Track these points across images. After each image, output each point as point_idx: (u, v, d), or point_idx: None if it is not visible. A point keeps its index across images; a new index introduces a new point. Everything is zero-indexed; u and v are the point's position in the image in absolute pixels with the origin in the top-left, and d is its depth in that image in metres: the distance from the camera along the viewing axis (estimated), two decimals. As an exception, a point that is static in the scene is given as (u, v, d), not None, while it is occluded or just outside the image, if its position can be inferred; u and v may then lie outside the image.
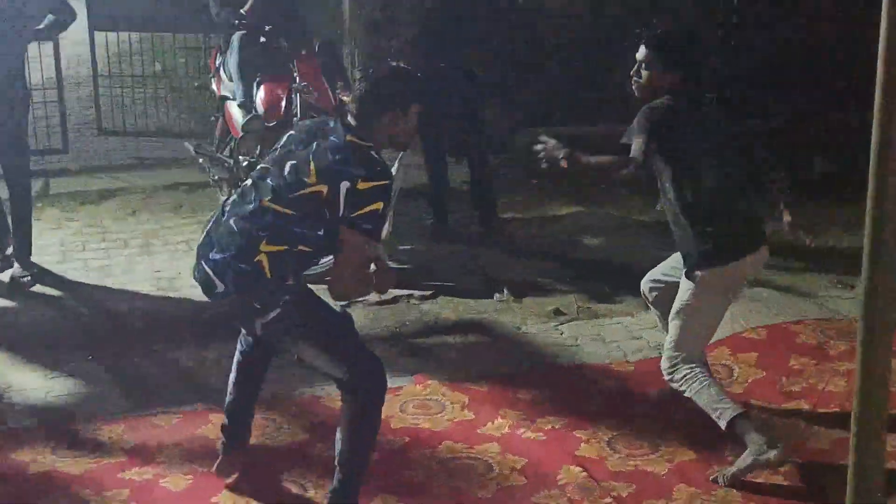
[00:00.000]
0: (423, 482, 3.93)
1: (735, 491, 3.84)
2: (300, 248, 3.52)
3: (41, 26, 5.81)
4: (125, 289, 5.80)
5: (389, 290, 4.85)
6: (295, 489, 3.92)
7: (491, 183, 6.60)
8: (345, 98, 6.45)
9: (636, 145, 4.00)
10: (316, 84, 6.14)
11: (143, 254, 6.33)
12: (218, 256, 3.56)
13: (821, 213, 6.74)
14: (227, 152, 6.85)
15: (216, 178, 6.95)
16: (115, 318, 5.41)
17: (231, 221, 3.56)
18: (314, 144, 3.56)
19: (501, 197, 6.85)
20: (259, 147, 6.43)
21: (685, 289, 4.08)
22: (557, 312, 5.49)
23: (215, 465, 3.92)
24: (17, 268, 5.82)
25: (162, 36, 9.26)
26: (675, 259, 4.29)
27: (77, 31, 8.52)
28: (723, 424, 4.03)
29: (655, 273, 4.48)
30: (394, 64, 4.05)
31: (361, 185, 3.43)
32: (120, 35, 8.82)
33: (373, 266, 3.69)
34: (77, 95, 9.33)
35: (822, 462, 4.05)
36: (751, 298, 5.49)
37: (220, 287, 3.57)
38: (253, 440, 4.21)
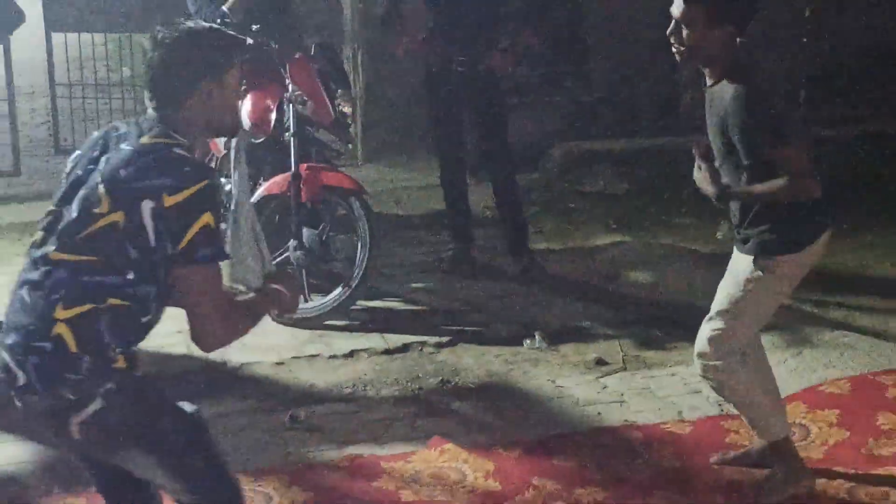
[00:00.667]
0: (441, 568, 3.94)
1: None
2: (110, 302, 2.99)
3: None
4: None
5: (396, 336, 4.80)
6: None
7: (521, 207, 6.59)
8: (346, 109, 6.51)
9: (791, 154, 3.91)
10: (312, 94, 6.18)
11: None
12: (12, 339, 3.02)
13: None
14: (207, 174, 6.89)
15: (195, 204, 6.98)
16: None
17: (22, 291, 3.06)
18: (102, 160, 3.11)
19: (532, 224, 6.84)
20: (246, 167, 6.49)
21: (749, 276, 4.07)
22: (600, 362, 5.49)
23: None
24: None
25: (130, 37, 9.31)
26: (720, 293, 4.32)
27: (31, 32, 8.65)
28: (768, 438, 4.17)
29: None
30: (189, 23, 3.34)
31: (169, 200, 2.95)
32: (81, 36, 8.92)
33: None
34: (31, 107, 9.41)
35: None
36: (831, 345, 5.49)
37: (22, 379, 2.96)
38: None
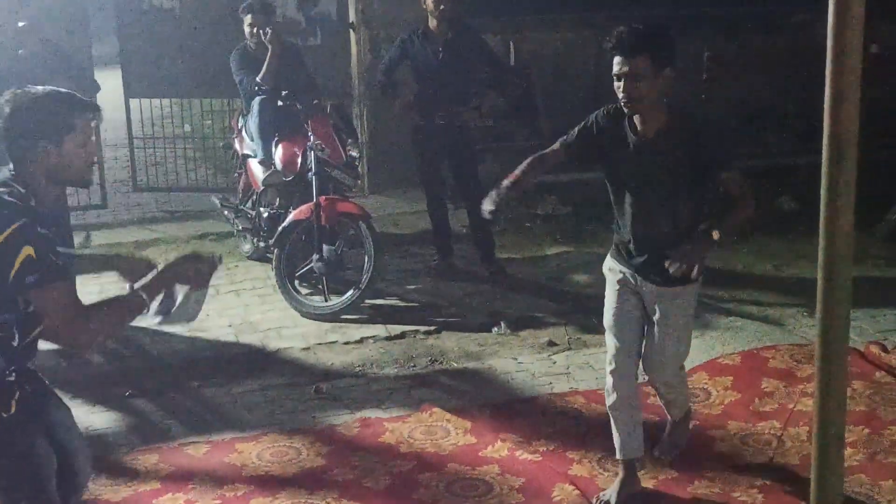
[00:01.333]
0: (431, 501, 3.93)
1: (713, 504, 3.85)
2: None
3: None
4: (160, 330, 5.81)
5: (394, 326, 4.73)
6: (314, 510, 3.92)
7: (489, 227, 6.61)
8: (354, 153, 6.53)
9: (739, 177, 3.56)
10: (328, 142, 6.19)
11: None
12: None
13: (791, 248, 6.81)
14: (249, 205, 6.91)
15: (240, 228, 7.02)
16: (152, 358, 5.43)
17: None
18: None
19: (497, 239, 6.85)
20: (278, 199, 6.50)
21: (689, 299, 3.78)
22: (550, 344, 5.49)
23: None
24: None
25: (190, 101, 9.32)
26: (630, 320, 3.85)
27: (114, 99, 8.65)
28: (680, 413, 4.16)
29: (626, 340, 3.87)
30: (33, 90, 2.87)
31: None
32: (152, 101, 8.90)
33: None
34: (114, 156, 9.41)
35: (793, 476, 4.04)
36: (726, 328, 5.53)
37: None
38: (277, 466, 4.23)
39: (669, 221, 3.66)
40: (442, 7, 6.12)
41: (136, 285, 2.99)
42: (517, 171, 3.83)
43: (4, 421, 2.76)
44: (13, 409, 2.78)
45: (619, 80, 3.45)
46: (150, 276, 3.03)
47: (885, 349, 5.11)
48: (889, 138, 7.88)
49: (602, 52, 8.83)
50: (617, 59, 3.45)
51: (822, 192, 2.11)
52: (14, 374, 2.80)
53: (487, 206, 3.72)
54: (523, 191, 4.13)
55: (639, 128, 3.60)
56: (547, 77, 8.64)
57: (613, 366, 3.85)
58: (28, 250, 2.64)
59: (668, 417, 4.23)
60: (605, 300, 3.94)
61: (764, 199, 6.89)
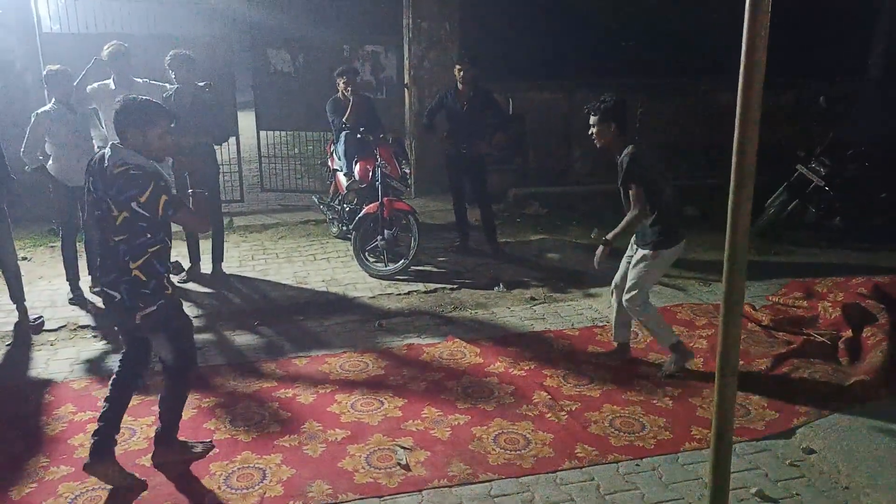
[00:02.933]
0: (451, 400, 3.92)
1: (639, 408, 3.79)
2: (151, 251, 3.02)
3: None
4: (277, 282, 5.84)
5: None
6: (375, 403, 3.89)
7: (493, 220, 6.55)
8: (406, 170, 6.47)
9: (635, 191, 3.80)
10: (389, 162, 6.14)
11: (287, 262, 6.35)
12: (108, 278, 3.07)
13: (692, 240, 6.67)
14: (337, 202, 6.88)
15: (330, 217, 7.00)
16: (272, 301, 5.43)
17: (106, 257, 3.07)
18: (100, 183, 3.03)
19: (500, 229, 6.79)
20: (356, 199, 6.45)
21: (644, 259, 3.95)
22: (532, 299, 5.44)
23: (152, 456, 3.29)
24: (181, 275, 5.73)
25: (299, 133, 9.28)
26: (622, 269, 4.17)
27: (249, 130, 8.63)
28: (666, 345, 4.12)
29: (617, 278, 4.23)
30: (137, 98, 3.08)
31: (143, 198, 2.94)
32: (275, 133, 8.86)
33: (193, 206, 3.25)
34: (249, 168, 9.39)
35: (692, 390, 3.99)
36: (650, 292, 5.42)
37: (118, 297, 3.04)
38: (352, 374, 4.20)
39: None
40: (463, 77, 6.08)
41: (197, 191, 3.28)
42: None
43: (168, 297, 3.11)
44: (171, 292, 3.13)
45: (590, 129, 3.93)
46: (192, 191, 3.31)
47: (754, 308, 5.02)
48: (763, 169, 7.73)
49: (571, 106, 8.77)
50: (591, 119, 3.91)
51: (730, 203, 2.00)
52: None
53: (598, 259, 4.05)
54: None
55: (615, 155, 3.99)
56: (533, 122, 8.55)
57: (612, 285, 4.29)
58: (164, 197, 2.95)
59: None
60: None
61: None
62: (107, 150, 3.02)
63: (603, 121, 3.86)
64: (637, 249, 4.07)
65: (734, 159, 1.84)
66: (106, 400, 3.18)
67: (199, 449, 3.38)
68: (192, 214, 3.16)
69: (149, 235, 3.00)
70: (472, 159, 6.29)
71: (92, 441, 3.10)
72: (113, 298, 3.05)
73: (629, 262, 4.12)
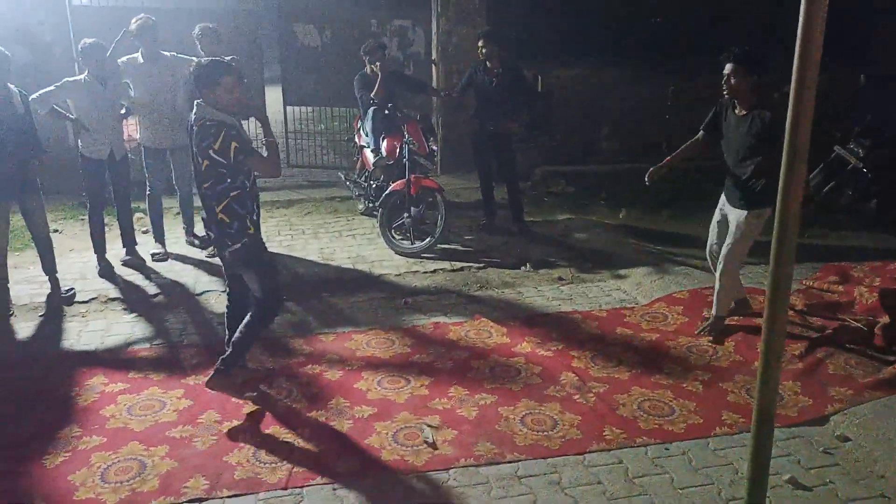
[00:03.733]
0: (478, 379, 3.89)
1: (669, 392, 3.73)
2: (232, 195, 3.35)
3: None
4: (303, 258, 5.83)
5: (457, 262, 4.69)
6: (401, 381, 3.88)
7: (520, 199, 6.48)
8: (434, 147, 6.40)
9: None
10: (417, 139, 6.07)
11: (314, 238, 6.34)
12: (204, 220, 3.52)
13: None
14: (363, 179, 6.85)
15: (356, 193, 6.98)
16: (298, 277, 5.42)
17: (204, 203, 3.46)
18: (188, 138, 3.51)
19: (526, 208, 6.71)
20: (382, 175, 6.41)
21: (743, 219, 3.97)
22: (560, 279, 5.37)
23: (207, 380, 3.56)
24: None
25: (325, 108, 9.23)
26: (716, 231, 4.24)
27: (275, 104, 8.60)
28: (722, 311, 4.25)
29: (711, 241, 4.33)
30: (205, 59, 3.51)
31: (216, 146, 3.28)
32: (302, 108, 8.81)
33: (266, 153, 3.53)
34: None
35: (723, 375, 3.92)
36: (679, 273, 5.36)
37: (209, 235, 3.53)
38: (378, 351, 4.19)
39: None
40: (485, 54, 5.99)
41: (269, 139, 3.53)
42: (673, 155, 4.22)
43: (251, 236, 3.45)
44: (253, 231, 3.46)
45: (724, 76, 3.82)
46: (267, 139, 3.55)
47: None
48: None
49: (599, 84, 8.62)
50: (730, 67, 3.80)
51: (780, 185, 1.92)
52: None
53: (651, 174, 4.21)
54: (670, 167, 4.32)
55: (738, 110, 3.94)
56: (560, 99, 8.41)
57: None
58: (234, 144, 3.28)
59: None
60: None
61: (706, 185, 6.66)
62: (194, 109, 3.40)
63: (747, 72, 3.76)
64: (735, 210, 4.05)
65: (787, 139, 1.75)
66: (227, 329, 3.70)
67: (260, 372, 3.80)
68: (264, 160, 3.44)
69: (228, 181, 3.33)
70: (499, 137, 6.20)
71: (219, 362, 3.55)
72: (208, 237, 3.53)
73: (721, 225, 4.17)
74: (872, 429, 3.31)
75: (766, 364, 2.03)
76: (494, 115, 6.11)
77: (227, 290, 3.76)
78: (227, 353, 3.56)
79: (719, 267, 4.21)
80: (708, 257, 4.42)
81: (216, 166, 3.29)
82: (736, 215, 4.05)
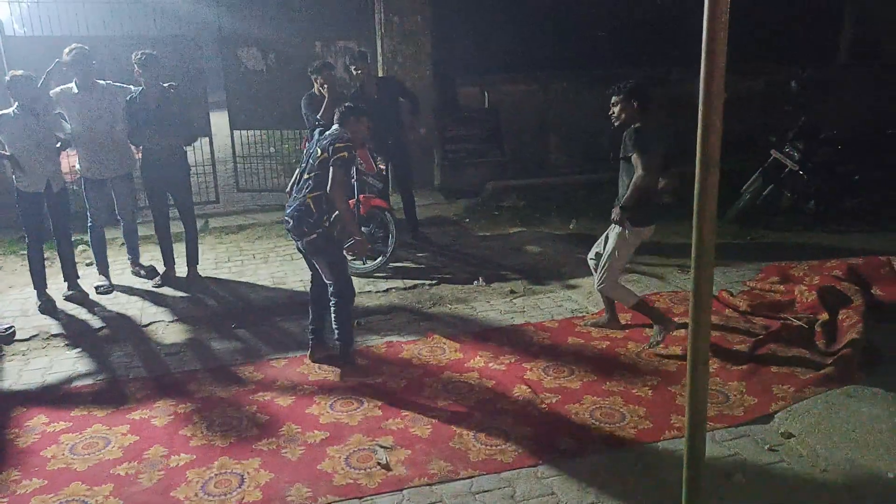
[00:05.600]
0: (431, 397, 3.89)
1: (619, 398, 3.78)
2: (318, 192, 3.87)
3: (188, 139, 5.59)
4: (254, 283, 5.76)
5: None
6: (354, 403, 3.84)
7: (414, 206, 6.69)
8: (381, 166, 6.41)
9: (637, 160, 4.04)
10: (365, 159, 6.06)
11: (264, 262, 6.28)
12: (289, 210, 3.97)
13: (667, 228, 6.72)
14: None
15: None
16: (249, 302, 5.36)
17: (293, 192, 4.07)
18: (317, 141, 4.10)
19: (479, 222, 6.75)
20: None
21: (619, 238, 4.22)
22: (512, 292, 5.42)
23: (308, 353, 4.27)
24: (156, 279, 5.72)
25: (273, 131, 9.19)
26: (597, 243, 4.49)
27: (223, 129, 8.51)
28: (629, 304, 4.36)
29: (591, 253, 4.57)
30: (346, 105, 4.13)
31: (335, 147, 3.90)
32: (249, 132, 8.76)
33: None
34: (224, 168, 9.27)
35: (671, 378, 4.00)
36: (627, 281, 5.44)
37: (289, 223, 3.93)
38: (331, 374, 4.15)
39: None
40: (360, 76, 6.26)
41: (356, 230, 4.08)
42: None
43: (326, 229, 3.94)
44: (328, 226, 3.95)
45: (612, 109, 4.17)
46: (356, 236, 4.09)
47: (731, 294, 5.04)
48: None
49: (546, 98, 8.76)
50: (614, 99, 4.17)
51: (696, 191, 2.00)
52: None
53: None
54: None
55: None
56: (508, 115, 8.52)
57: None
58: (345, 154, 3.88)
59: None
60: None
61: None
62: (333, 127, 4.02)
63: (626, 99, 4.10)
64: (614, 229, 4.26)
65: (699, 147, 1.82)
66: (311, 312, 4.26)
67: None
68: (350, 209, 4.03)
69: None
70: (396, 147, 6.33)
71: (310, 341, 4.28)
72: (288, 224, 3.93)
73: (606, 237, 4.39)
74: (815, 424, 3.41)
75: (694, 369, 2.08)
76: (386, 127, 6.23)
77: (311, 277, 4.27)
78: (339, 347, 4.08)
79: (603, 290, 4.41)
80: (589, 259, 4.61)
81: (324, 164, 3.85)
82: (612, 231, 4.30)
